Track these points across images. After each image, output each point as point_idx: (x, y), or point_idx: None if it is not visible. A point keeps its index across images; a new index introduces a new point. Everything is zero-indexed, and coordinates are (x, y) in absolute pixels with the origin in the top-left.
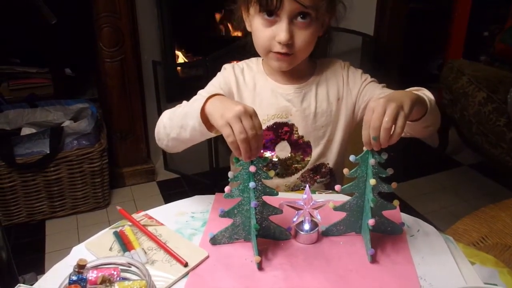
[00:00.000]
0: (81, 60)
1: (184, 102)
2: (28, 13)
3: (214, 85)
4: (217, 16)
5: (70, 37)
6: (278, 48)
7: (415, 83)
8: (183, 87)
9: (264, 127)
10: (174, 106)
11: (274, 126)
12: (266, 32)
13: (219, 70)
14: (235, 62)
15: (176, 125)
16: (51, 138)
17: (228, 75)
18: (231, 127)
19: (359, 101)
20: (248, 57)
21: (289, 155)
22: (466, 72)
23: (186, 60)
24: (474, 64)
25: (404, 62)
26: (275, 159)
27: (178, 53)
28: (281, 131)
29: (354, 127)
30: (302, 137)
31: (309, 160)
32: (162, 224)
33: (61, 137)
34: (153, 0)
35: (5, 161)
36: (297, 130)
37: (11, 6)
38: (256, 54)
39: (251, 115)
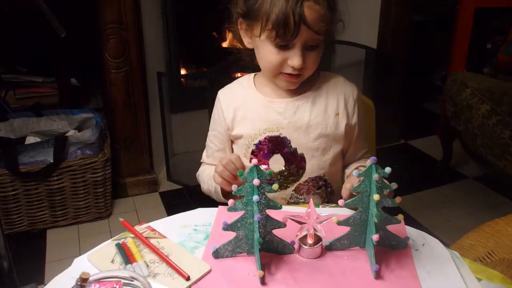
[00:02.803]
0: (86, 70)
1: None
2: (37, 25)
3: (212, 127)
4: (222, 29)
5: (76, 47)
6: (289, 70)
7: (418, 95)
8: (187, 98)
9: (256, 141)
10: (178, 116)
11: (267, 140)
12: (278, 56)
13: (223, 82)
14: (227, 85)
15: (212, 193)
16: (55, 147)
17: (219, 104)
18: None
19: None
20: (251, 70)
21: (283, 168)
22: (469, 84)
23: (191, 71)
24: (478, 76)
25: (408, 74)
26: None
27: (182, 64)
28: (274, 144)
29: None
30: (296, 149)
31: (303, 173)
32: (164, 237)
33: (65, 146)
34: (159, 11)
35: (9, 170)
36: (290, 143)
37: (21, 17)
38: (256, 69)
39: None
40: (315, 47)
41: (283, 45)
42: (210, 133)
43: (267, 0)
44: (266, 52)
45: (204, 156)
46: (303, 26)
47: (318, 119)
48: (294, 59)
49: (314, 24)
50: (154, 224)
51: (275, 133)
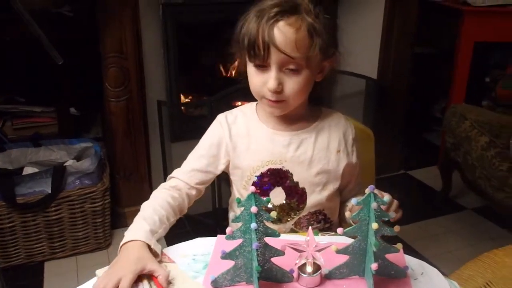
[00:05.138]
0: (86, 99)
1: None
2: (36, 54)
3: (204, 147)
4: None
5: (76, 76)
6: (269, 95)
7: (418, 126)
8: (187, 127)
9: (258, 173)
10: (178, 145)
11: (269, 172)
12: (258, 78)
13: (223, 110)
14: (229, 111)
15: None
16: (53, 177)
17: (220, 128)
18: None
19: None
20: (251, 98)
21: (284, 201)
22: (468, 117)
23: (191, 100)
24: (477, 109)
25: (408, 105)
26: (269, 206)
27: (183, 92)
28: (276, 177)
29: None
30: (297, 183)
31: (304, 207)
32: (173, 262)
33: (63, 176)
34: (159, 40)
35: (6, 201)
36: (292, 176)
37: (18, 46)
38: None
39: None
40: (295, 72)
41: (261, 68)
42: (197, 152)
43: (245, 24)
44: (250, 76)
45: (177, 172)
46: (273, 48)
47: (321, 154)
48: (269, 81)
49: (284, 47)
50: None
51: (278, 166)
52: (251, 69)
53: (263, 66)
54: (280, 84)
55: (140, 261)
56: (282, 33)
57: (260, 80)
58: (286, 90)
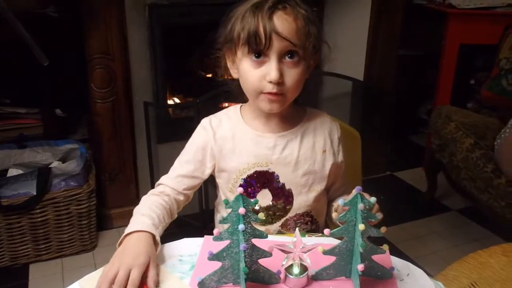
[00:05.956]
0: (72, 100)
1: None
2: (20, 54)
3: (190, 152)
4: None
5: (61, 77)
6: (269, 88)
7: (404, 128)
8: (174, 128)
9: (244, 176)
10: (164, 147)
11: (255, 175)
12: (255, 73)
13: (210, 111)
14: (213, 115)
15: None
16: (38, 179)
17: (204, 132)
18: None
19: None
20: (238, 100)
21: (271, 203)
22: (453, 118)
23: (178, 101)
24: (462, 111)
25: (394, 106)
26: (257, 208)
27: (169, 94)
28: (262, 179)
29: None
30: (284, 185)
31: (290, 208)
32: (157, 264)
33: (48, 178)
34: (146, 41)
35: None
36: (278, 178)
37: (3, 47)
38: (241, 99)
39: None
40: (295, 63)
41: (259, 60)
42: (183, 158)
43: (238, 19)
44: (245, 71)
45: (165, 179)
46: (275, 35)
47: (307, 155)
48: (271, 73)
49: (287, 33)
50: None
51: (264, 168)
52: (246, 65)
53: (260, 56)
54: (281, 75)
55: (147, 253)
56: (283, 21)
57: (259, 74)
58: (286, 81)
